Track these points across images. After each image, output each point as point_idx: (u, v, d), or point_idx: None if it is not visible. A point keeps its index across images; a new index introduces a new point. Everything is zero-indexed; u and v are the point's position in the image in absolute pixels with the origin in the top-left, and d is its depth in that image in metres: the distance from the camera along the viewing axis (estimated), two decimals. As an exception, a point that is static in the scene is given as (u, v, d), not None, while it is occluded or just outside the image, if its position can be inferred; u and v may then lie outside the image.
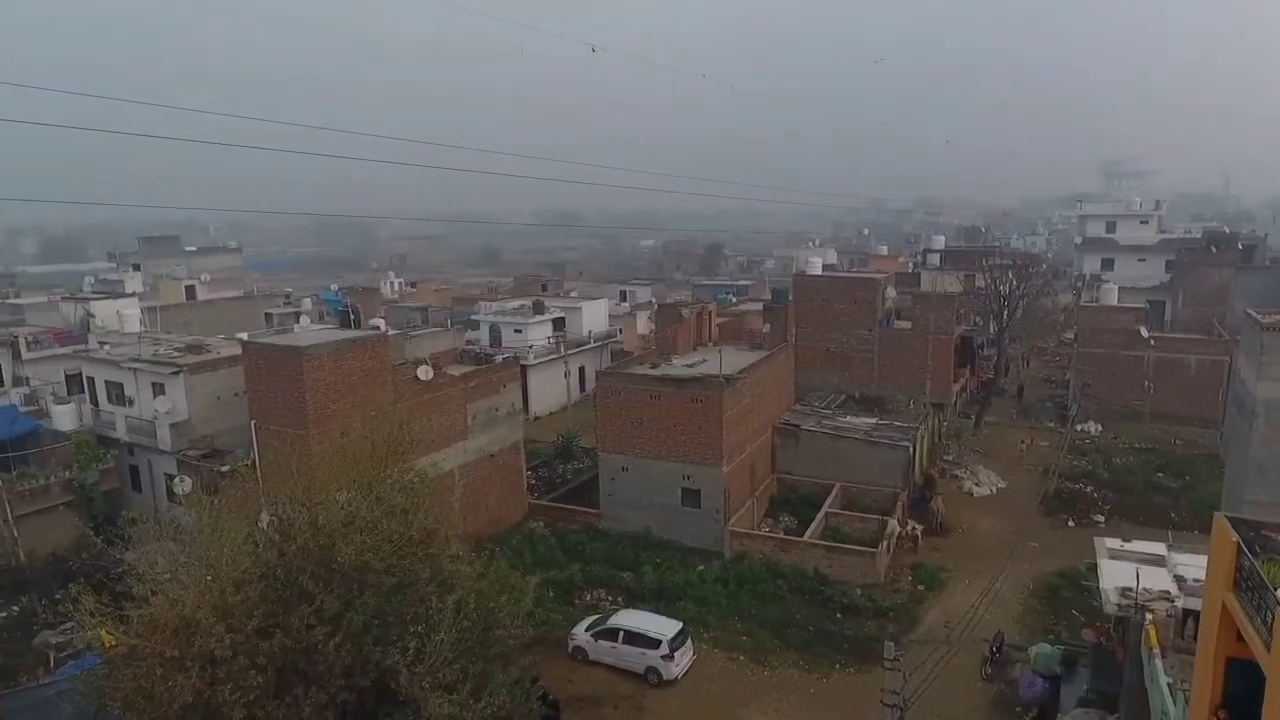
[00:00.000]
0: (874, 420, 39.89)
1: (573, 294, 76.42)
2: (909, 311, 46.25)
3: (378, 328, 45.93)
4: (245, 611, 15.41)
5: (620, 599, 29.42)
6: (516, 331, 57.40)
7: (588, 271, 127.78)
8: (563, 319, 60.52)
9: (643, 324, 67.15)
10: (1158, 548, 22.57)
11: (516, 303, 64.18)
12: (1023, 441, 46.49)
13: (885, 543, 31.54)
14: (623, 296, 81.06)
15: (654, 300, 76.81)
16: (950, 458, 43.77)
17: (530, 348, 55.24)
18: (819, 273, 51.37)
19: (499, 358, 40.35)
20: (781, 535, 33.57)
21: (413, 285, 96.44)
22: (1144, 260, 72.59)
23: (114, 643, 16.21)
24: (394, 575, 16.98)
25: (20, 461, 32.41)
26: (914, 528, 33.89)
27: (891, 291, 47.65)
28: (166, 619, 15.11)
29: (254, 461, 28.85)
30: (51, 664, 22.97)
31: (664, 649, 24.18)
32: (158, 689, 14.64)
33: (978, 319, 53.65)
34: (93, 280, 76.82)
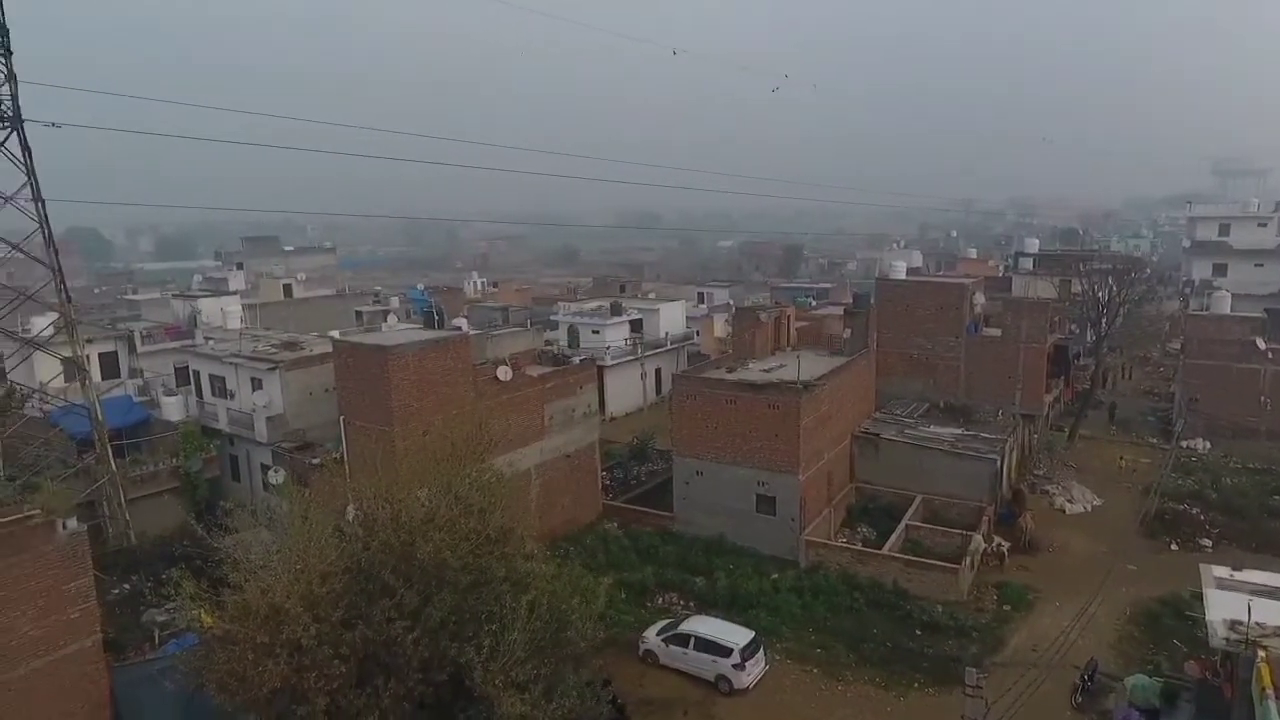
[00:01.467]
0: (959, 430, 38.48)
1: (650, 295, 76.67)
2: (999, 318, 44.41)
3: (460, 327, 47.12)
4: (331, 603, 16.04)
5: (692, 604, 29.28)
6: (594, 332, 57.94)
7: (665, 273, 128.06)
8: (640, 320, 60.74)
9: (720, 326, 66.78)
10: (1273, 578, 20.91)
11: (594, 304, 64.77)
12: (1121, 457, 43.98)
13: (969, 559, 30.37)
14: (700, 298, 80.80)
15: (731, 303, 76.31)
16: (1041, 472, 41.83)
17: (607, 349, 55.66)
18: (903, 276, 49.82)
19: (577, 359, 40.77)
20: (859, 546, 32.76)
21: (494, 285, 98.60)
22: (1261, 265, 67.63)
23: (212, 625, 17.12)
24: (470, 573, 17.36)
25: (133, 449, 34.64)
26: (1000, 544, 32.52)
27: (980, 297, 45.82)
28: (258, 606, 15.86)
29: (342, 455, 30.01)
30: (156, 641, 24.46)
31: (735, 657, 23.91)
32: (249, 673, 15.39)
33: (1074, 327, 51.04)
34: (200, 278, 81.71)
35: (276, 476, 30.63)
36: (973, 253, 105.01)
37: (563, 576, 19.42)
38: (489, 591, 17.52)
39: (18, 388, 30.01)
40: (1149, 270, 62.79)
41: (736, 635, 24.67)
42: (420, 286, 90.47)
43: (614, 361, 55.40)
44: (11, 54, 26.67)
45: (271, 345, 38.62)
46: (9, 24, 26.48)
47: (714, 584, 29.86)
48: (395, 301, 75.98)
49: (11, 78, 26.75)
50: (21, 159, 27.39)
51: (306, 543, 16.95)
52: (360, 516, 18.72)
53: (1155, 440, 47.19)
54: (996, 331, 43.56)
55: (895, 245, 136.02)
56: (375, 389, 28.79)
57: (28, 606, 17.01)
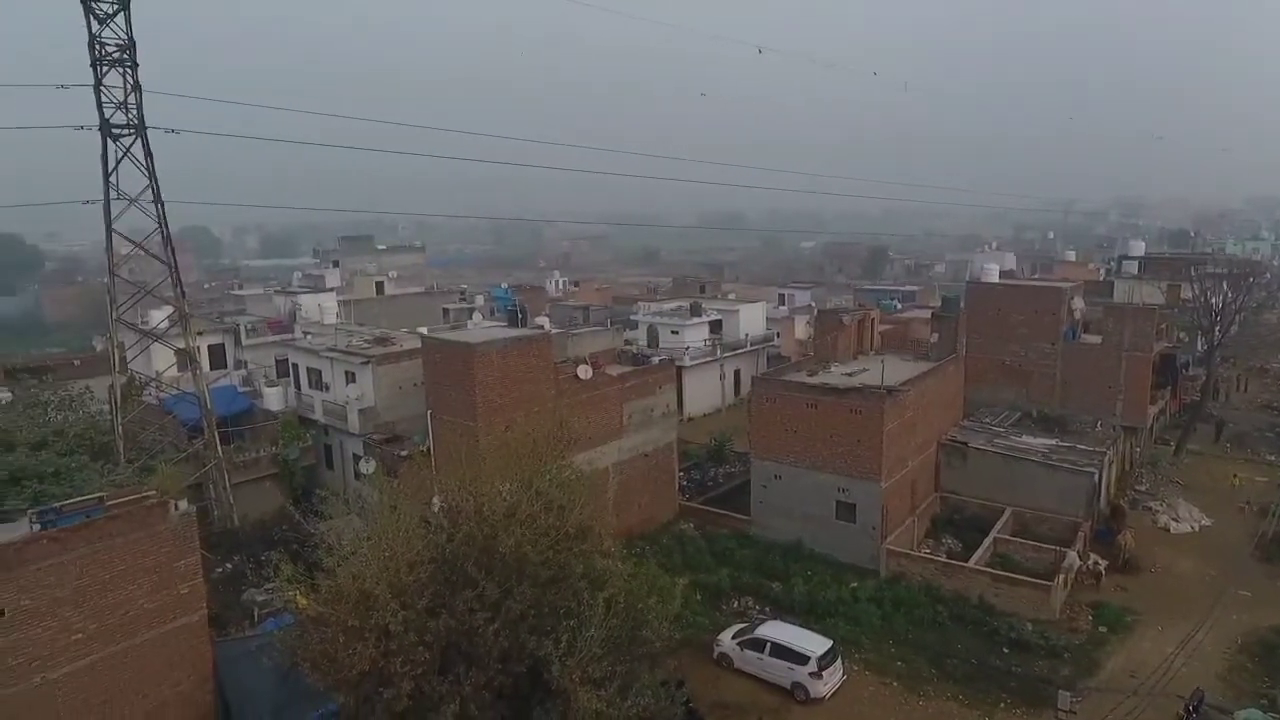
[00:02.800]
0: (1053, 441, 36.75)
1: (730, 296, 76.20)
2: (1099, 324, 42.21)
3: (542, 326, 47.97)
4: (417, 591, 16.60)
5: (768, 609, 28.97)
6: (674, 333, 58.00)
7: (746, 273, 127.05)
8: (720, 321, 60.46)
9: (801, 328, 65.81)
10: None
11: (674, 304, 64.83)
12: (1235, 475, 41.08)
13: (1062, 576, 28.97)
14: (781, 300, 79.85)
15: (813, 304, 75.10)
16: (1144, 488, 39.52)
17: (686, 349, 55.62)
18: (996, 279, 47.88)
19: (656, 358, 40.91)
20: (944, 558, 31.70)
21: (575, 284, 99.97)
22: (1401, 271, 62.11)
23: (306, 606, 17.98)
24: (550, 568, 17.67)
25: (237, 436, 36.72)
26: (1096, 562, 30.90)
27: (1079, 302, 43.63)
28: (350, 590, 16.56)
29: (429, 448, 31.03)
30: (255, 619, 25.84)
31: (812, 665, 23.53)
32: (340, 654, 16.09)
33: (1182, 335, 48.04)
34: (300, 275, 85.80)
35: (367, 466, 31.89)
36: (1071, 255, 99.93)
37: (639, 575, 19.53)
38: (567, 587, 17.79)
39: (137, 376, 32.22)
40: (1269, 275, 58.45)
41: (814, 643, 24.27)
42: (504, 285, 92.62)
43: (693, 362, 55.32)
44: (137, 66, 28.65)
45: (364, 340, 40.24)
46: (135, 39, 28.45)
47: (791, 590, 29.47)
48: (480, 299, 77.97)
49: (137, 88, 28.74)
50: (145, 163, 29.41)
51: (395, 532, 17.59)
52: (445, 508, 19.30)
53: (1274, 458, 43.91)
54: (1097, 338, 41.41)
55: (987, 247, 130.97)
56: (461, 385, 29.63)
57: (143, 581, 18.27)
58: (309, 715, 18.56)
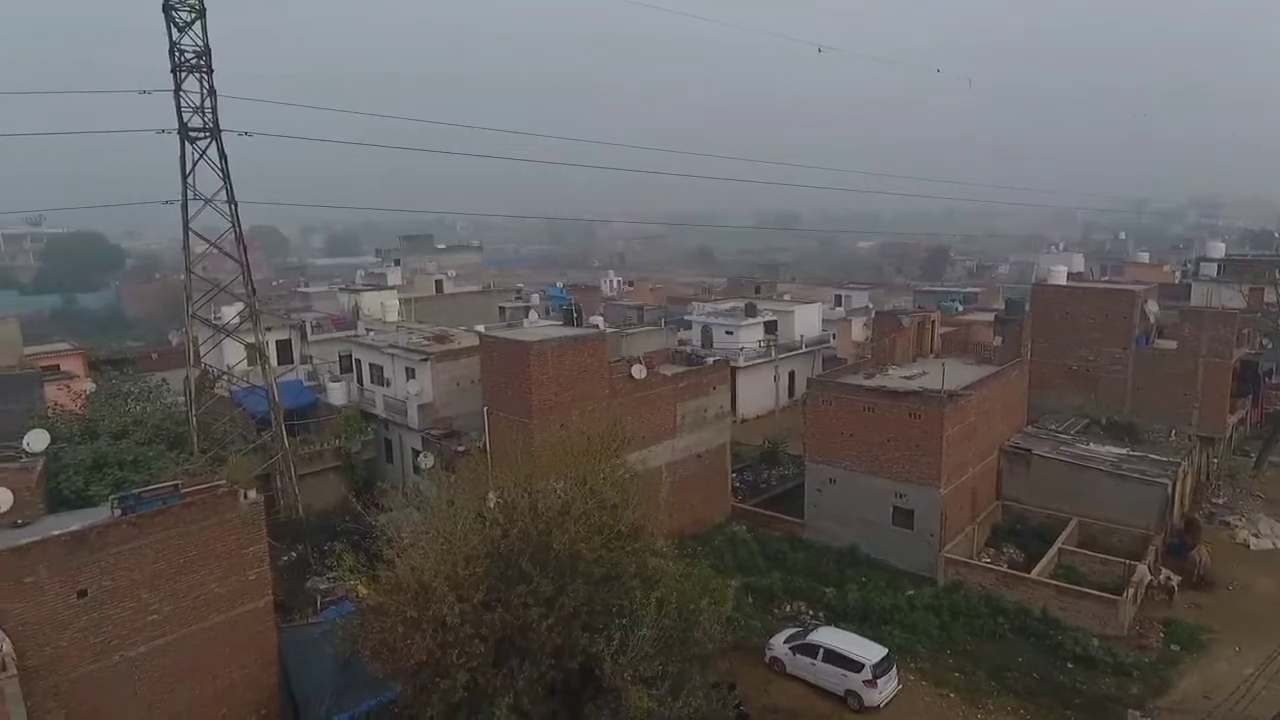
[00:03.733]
0: (1123, 450, 35.39)
1: (785, 297, 75.42)
2: (1174, 329, 40.49)
3: (597, 325, 48.30)
4: (473, 584, 16.89)
5: (821, 614, 28.60)
6: (728, 333, 57.69)
7: (802, 273, 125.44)
8: (774, 322, 59.90)
9: (858, 330, 64.78)
10: None
11: (729, 304, 64.49)
12: (1322, 489, 38.95)
13: (1132, 590, 27.88)
14: (837, 301, 78.74)
15: (871, 306, 73.85)
16: (1221, 501, 37.76)
17: (741, 350, 55.28)
18: (1063, 281, 46.28)
19: (710, 359, 40.77)
20: (1005, 568, 30.82)
21: (630, 284, 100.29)
22: None
23: (367, 596, 18.46)
24: (603, 566, 17.76)
25: (302, 429, 37.89)
26: (1169, 577, 29.67)
27: (1153, 305, 41.94)
28: (408, 582, 16.94)
29: (485, 444, 31.51)
30: (318, 606, 26.63)
31: (867, 673, 23.14)
32: (399, 644, 16.47)
33: (1266, 341, 45.67)
34: (363, 273, 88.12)
35: (426, 461, 32.56)
36: (1144, 257, 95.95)
37: (692, 576, 19.53)
38: (620, 586, 17.87)
39: (210, 370, 33.50)
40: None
41: (869, 650, 23.87)
42: (559, 284, 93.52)
43: (747, 363, 54.96)
44: (213, 72, 29.81)
45: (424, 337, 41.07)
46: (211, 46, 29.62)
47: (845, 595, 29.04)
48: (536, 298, 78.94)
49: (212, 93, 29.88)
50: (219, 165, 30.57)
51: (452, 526, 17.93)
52: (501, 504, 19.57)
53: (1366, 473, 41.43)
54: (1172, 344, 39.75)
55: (1053, 248, 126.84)
56: (517, 382, 30.03)
57: (214, 566, 19.03)
58: (368, 702, 19.05)
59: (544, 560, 17.60)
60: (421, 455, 34.35)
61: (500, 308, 72.04)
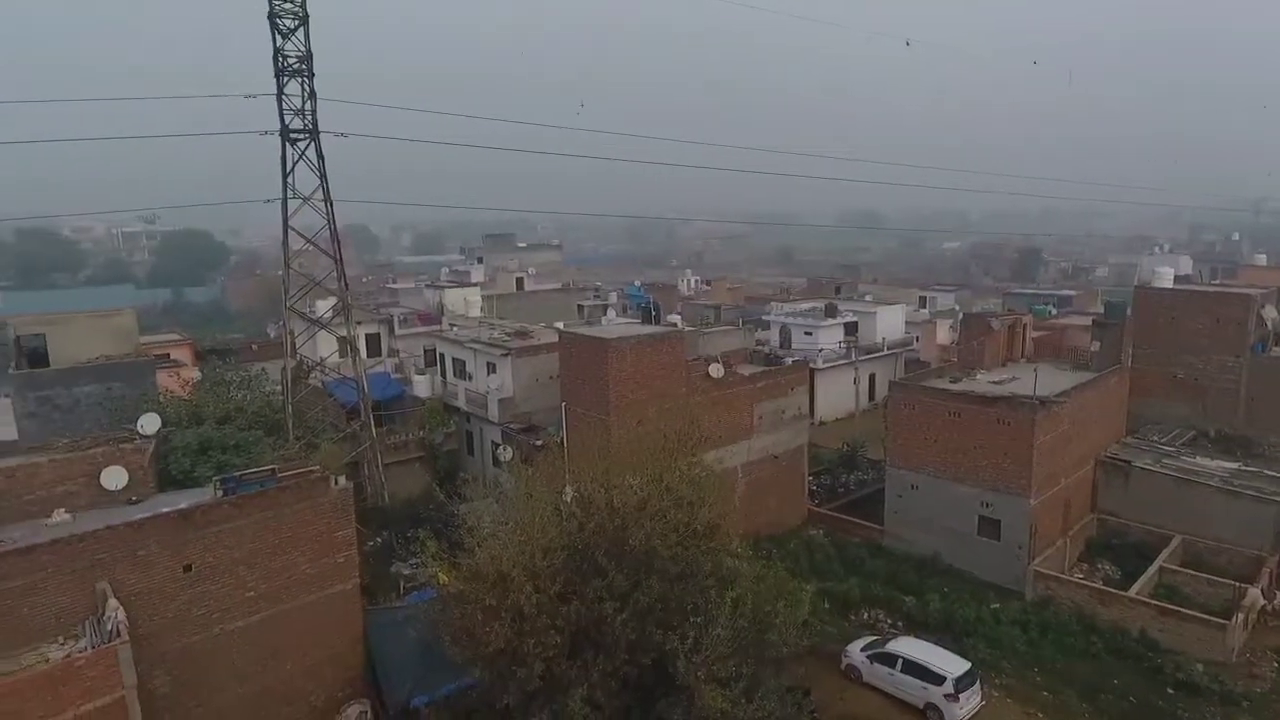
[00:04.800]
0: (1235, 465, 33.11)
1: (867, 298, 73.69)
2: (1296, 336, 37.67)
3: (674, 324, 48.29)
4: (550, 576, 17.14)
5: (900, 624, 27.83)
6: (807, 334, 56.76)
7: (885, 274, 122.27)
8: (855, 323, 58.60)
9: (943, 333, 62.73)
10: None
11: (808, 304, 63.46)
12: None
13: (1242, 615, 26.06)
14: (922, 302, 76.44)
15: (957, 308, 71.42)
16: (1346, 523, 34.82)
17: (820, 351, 54.31)
18: (1169, 285, 43.62)
19: (788, 360, 40.20)
20: (1099, 585, 29.30)
21: (708, 283, 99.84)
22: None
23: (448, 583, 18.97)
24: (678, 564, 17.76)
25: (389, 420, 39.28)
26: (1285, 603, 27.62)
27: (1271, 310, 39.12)
28: (488, 571, 17.33)
29: (562, 439, 31.94)
30: (400, 591, 27.53)
31: (949, 687, 22.35)
32: (477, 631, 16.88)
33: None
34: (448, 270, 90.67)
35: (505, 454, 33.25)
36: (1261, 259, 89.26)
37: (767, 578, 19.29)
38: (695, 584, 17.83)
39: (305, 360, 35.09)
40: None
41: (951, 663, 23.07)
42: (637, 283, 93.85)
43: (826, 364, 53.95)
44: (313, 76, 31.18)
45: (505, 333, 41.95)
46: (313, 51, 30.98)
47: (925, 605, 28.16)
48: (614, 297, 79.49)
49: (312, 96, 31.28)
50: (317, 165, 31.96)
51: (530, 518, 18.25)
52: (578, 498, 19.80)
53: None
54: (1292, 352, 36.98)
55: (1158, 249, 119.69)
56: (595, 378, 30.31)
57: (306, 548, 19.90)
58: (448, 686, 19.55)
59: (619, 555, 17.71)
60: (501, 448, 35.07)
61: (579, 305, 72.81)
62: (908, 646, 24.09)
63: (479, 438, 39.37)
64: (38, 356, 30.18)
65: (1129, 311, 40.22)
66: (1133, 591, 27.71)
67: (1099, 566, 31.72)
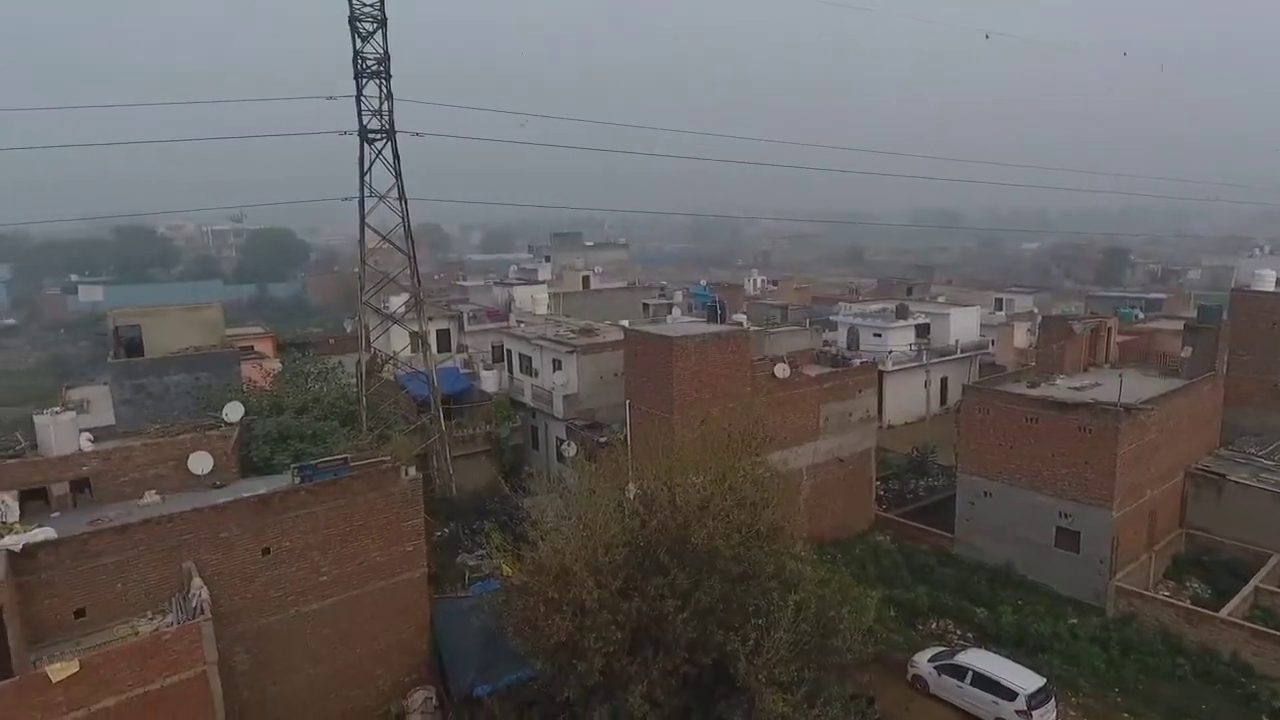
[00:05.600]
0: (1342, 481, 30.89)
1: (940, 299, 71.60)
2: None
3: (740, 323, 47.88)
4: (611, 571, 17.19)
5: (970, 635, 26.96)
6: (876, 335, 55.52)
7: (959, 275, 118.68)
8: (927, 325, 57.03)
9: (1021, 336, 60.51)
10: None
11: (878, 305, 62.06)
12: None
13: (1347, 642, 24.31)
14: (998, 304, 73.78)
15: (1036, 311, 68.76)
16: None
17: (889, 353, 53.05)
18: (1271, 287, 40.96)
19: (856, 361, 39.38)
20: (1187, 604, 27.76)
21: (774, 283, 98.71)
22: None
23: (512, 575, 19.25)
24: (740, 564, 17.61)
25: (457, 413, 40.08)
26: (1397, 631, 25.61)
27: (1387, 317, 36.35)
28: (551, 564, 17.50)
29: (626, 436, 32.04)
30: (466, 581, 28.09)
31: (1021, 703, 21.52)
32: (540, 623, 17.06)
33: None
34: (516, 268, 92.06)
35: (569, 450, 33.55)
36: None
37: (832, 583, 18.93)
38: (757, 585, 17.64)
39: (379, 354, 36.14)
40: None
41: (1024, 678, 22.21)
42: (703, 282, 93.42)
43: (895, 367, 52.68)
44: (390, 78, 32.06)
45: (571, 331, 42.33)
46: (390, 53, 31.86)
47: (998, 617, 27.20)
48: (679, 296, 79.30)
49: (390, 97, 32.17)
50: (393, 165, 32.85)
51: (593, 513, 18.35)
52: (640, 495, 19.81)
53: None
54: None
55: (1258, 250, 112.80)
56: (659, 376, 30.29)
57: (376, 536, 20.48)
58: (510, 676, 19.83)
59: (681, 554, 17.65)
60: (565, 444, 35.41)
61: (644, 304, 72.87)
62: (978, 659, 23.31)
63: (544, 433, 39.83)
64: (134, 347, 31.95)
65: (1224, 316, 37.98)
66: (1224, 612, 26.18)
67: (1187, 584, 30.11)
